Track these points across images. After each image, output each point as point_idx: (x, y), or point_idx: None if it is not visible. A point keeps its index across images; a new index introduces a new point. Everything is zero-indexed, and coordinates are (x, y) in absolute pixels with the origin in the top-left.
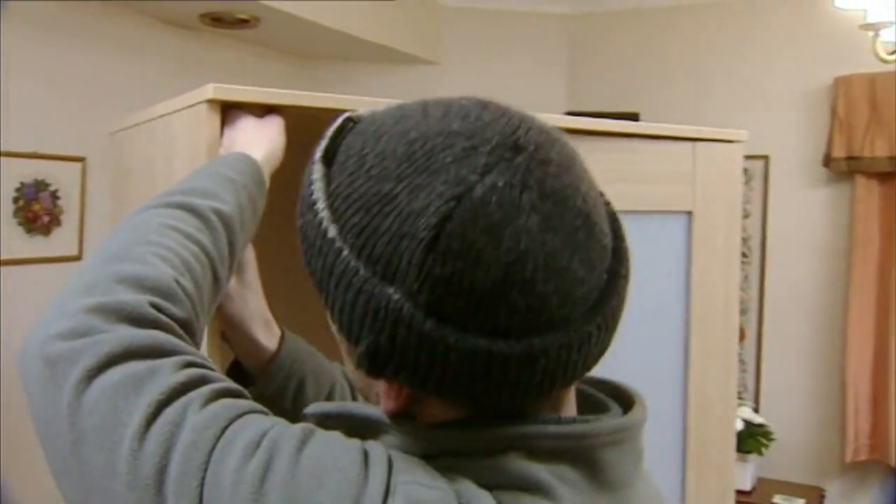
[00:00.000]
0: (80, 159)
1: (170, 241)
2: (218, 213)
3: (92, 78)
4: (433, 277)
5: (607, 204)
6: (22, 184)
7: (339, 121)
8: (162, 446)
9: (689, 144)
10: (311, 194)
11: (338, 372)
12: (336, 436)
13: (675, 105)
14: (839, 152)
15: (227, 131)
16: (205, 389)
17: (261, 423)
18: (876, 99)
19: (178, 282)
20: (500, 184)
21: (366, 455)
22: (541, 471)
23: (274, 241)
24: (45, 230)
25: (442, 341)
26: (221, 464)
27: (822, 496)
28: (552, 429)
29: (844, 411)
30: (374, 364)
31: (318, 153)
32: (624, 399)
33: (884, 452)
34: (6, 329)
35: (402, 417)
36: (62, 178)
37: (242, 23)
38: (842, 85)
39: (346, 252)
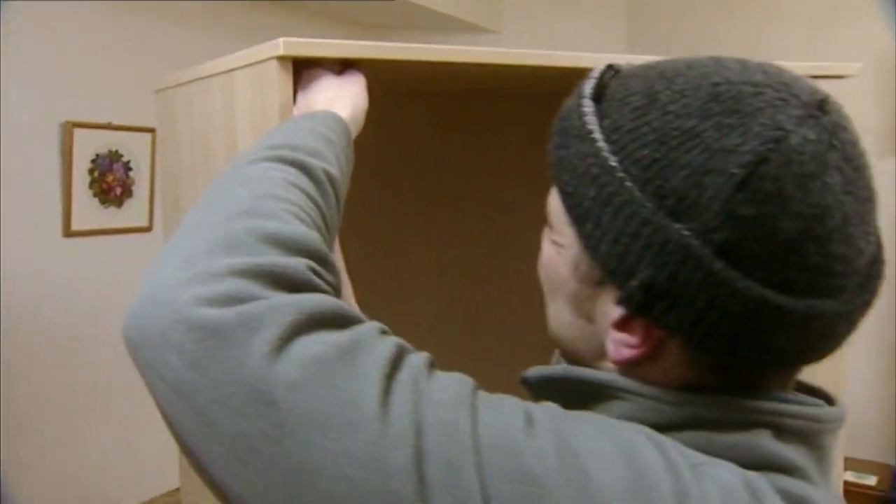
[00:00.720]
0: (151, 130)
1: (297, 198)
2: (328, 175)
3: (159, 49)
4: (735, 217)
5: None
6: (97, 155)
7: (603, 66)
8: (410, 429)
9: None
10: (584, 125)
11: None
12: (589, 413)
13: None
14: None
15: (301, 92)
16: (420, 358)
17: (507, 398)
18: None
19: (323, 244)
20: (813, 137)
21: (647, 434)
22: (789, 451)
23: (356, 217)
24: (118, 201)
25: (727, 284)
26: (495, 444)
27: (894, 474)
28: (795, 408)
29: None
30: (646, 299)
31: (588, 89)
32: (820, 396)
33: None
34: (82, 299)
35: (630, 376)
36: (134, 149)
37: None
38: None
39: (629, 183)
